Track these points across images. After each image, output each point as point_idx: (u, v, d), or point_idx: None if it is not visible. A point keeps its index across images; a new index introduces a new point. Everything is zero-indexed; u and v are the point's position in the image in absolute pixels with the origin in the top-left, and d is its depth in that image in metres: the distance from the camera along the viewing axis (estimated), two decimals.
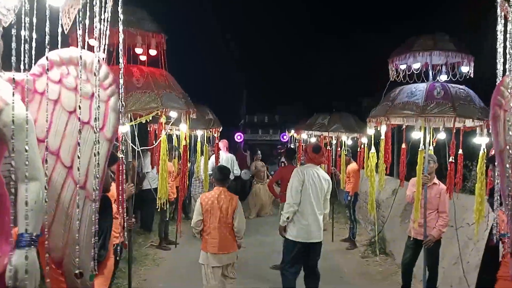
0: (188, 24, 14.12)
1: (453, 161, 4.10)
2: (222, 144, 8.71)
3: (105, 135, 1.69)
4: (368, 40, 11.48)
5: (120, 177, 3.77)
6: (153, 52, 4.23)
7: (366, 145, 7.84)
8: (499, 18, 2.05)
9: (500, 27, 2.03)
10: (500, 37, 2.04)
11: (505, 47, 2.00)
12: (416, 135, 4.38)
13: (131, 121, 4.09)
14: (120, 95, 1.74)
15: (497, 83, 2.04)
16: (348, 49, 12.49)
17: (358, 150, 8.03)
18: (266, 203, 10.83)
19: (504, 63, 2.08)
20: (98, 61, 1.67)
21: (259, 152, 11.61)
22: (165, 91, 4.02)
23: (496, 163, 1.93)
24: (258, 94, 21.36)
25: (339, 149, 8.90)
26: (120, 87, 1.71)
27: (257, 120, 18.65)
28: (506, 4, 2.02)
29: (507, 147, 1.77)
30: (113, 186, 3.79)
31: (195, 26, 14.60)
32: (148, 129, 5.51)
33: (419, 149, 4.16)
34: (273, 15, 16.99)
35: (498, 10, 2.07)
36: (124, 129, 4.23)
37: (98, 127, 1.65)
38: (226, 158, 8.79)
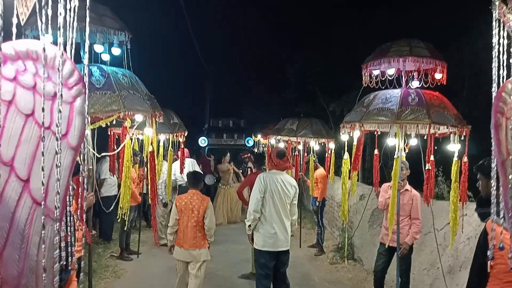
0: (151, 25, 13.68)
1: (430, 168, 4.06)
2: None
3: (70, 143, 1.44)
4: (340, 44, 11.52)
5: (80, 186, 3.48)
6: (116, 51, 3.94)
7: (333, 151, 7.83)
8: (494, 22, 1.96)
9: (495, 31, 1.93)
10: (495, 40, 1.95)
11: (499, 52, 1.91)
12: (390, 141, 4.33)
13: (91, 124, 3.77)
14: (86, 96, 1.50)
15: (494, 89, 1.94)
16: (317, 54, 12.45)
17: (326, 155, 8.00)
18: (233, 209, 10.59)
19: (499, 69, 1.99)
20: (62, 54, 1.42)
21: (228, 154, 11.29)
22: (128, 92, 3.73)
23: (492, 173, 1.82)
24: (223, 98, 21.14)
25: (306, 154, 8.84)
26: (85, 87, 1.46)
27: (221, 125, 18.34)
28: (504, 7, 1.93)
29: (510, 157, 1.66)
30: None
31: (158, 26, 14.15)
32: (109, 133, 5.18)
33: (394, 156, 4.10)
34: (242, 17, 16.79)
35: (496, 13, 1.97)
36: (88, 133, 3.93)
37: (60, 133, 1.40)
38: (188, 163, 8.44)
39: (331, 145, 7.83)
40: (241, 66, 18.29)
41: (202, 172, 8.36)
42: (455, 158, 4.13)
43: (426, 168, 4.09)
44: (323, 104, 12.13)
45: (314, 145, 8.12)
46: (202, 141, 17.18)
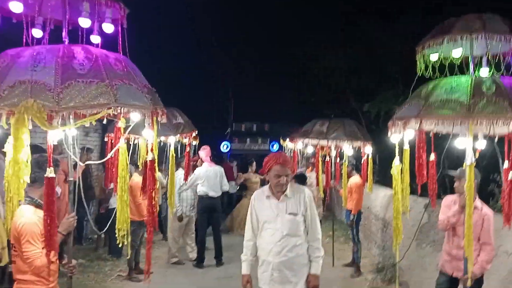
0: (172, 28, 13.00)
1: None
2: (204, 152, 7.45)
3: None
4: (368, 38, 10.51)
5: (48, 202, 2.66)
6: (108, 28, 3.12)
7: (370, 156, 6.83)
8: None
9: None
10: None
11: None
12: (459, 143, 3.34)
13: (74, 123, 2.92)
14: None
15: None
16: (343, 52, 11.44)
17: (362, 161, 7.00)
18: None
19: None
20: None
21: (254, 162, 10.46)
22: (122, 83, 2.87)
23: None
24: (246, 102, 20.29)
25: (338, 160, 7.85)
26: None
27: (245, 129, 17.46)
28: None
29: None
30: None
31: (179, 30, 13.50)
32: (105, 139, 4.36)
33: (468, 163, 3.11)
34: (263, 17, 15.94)
35: None
36: (71, 133, 3.11)
37: None
38: (214, 171, 7.29)
39: (368, 149, 6.83)
40: (265, 68, 17.42)
41: (223, 183, 7.47)
42: None
43: (509, 178, 3.08)
44: (354, 106, 11.08)
45: (348, 149, 7.11)
46: (225, 146, 16.37)
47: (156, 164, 3.33)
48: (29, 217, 2.71)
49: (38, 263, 2.62)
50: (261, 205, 3.45)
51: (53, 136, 2.74)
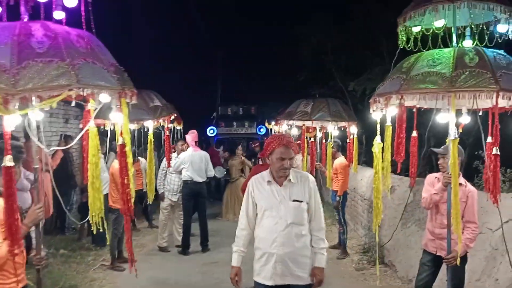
0: (154, 7, 12.61)
1: (498, 152, 2.96)
2: (190, 137, 7.29)
3: None
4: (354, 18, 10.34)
5: (8, 193, 2.51)
6: (70, 1, 2.89)
7: (356, 136, 6.73)
8: None
9: None
10: None
11: None
12: (442, 117, 3.23)
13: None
14: None
15: None
16: (331, 30, 11.24)
17: (347, 141, 6.90)
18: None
19: None
20: None
21: (239, 147, 10.37)
22: (84, 61, 2.65)
23: None
24: (232, 84, 20.01)
25: (324, 141, 7.74)
26: None
27: (231, 112, 17.20)
28: None
29: None
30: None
31: (162, 9, 13.12)
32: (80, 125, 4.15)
33: (451, 138, 3.00)
34: None
35: None
36: (36, 116, 2.90)
37: None
38: (198, 156, 7.13)
39: (353, 129, 6.72)
40: (250, 49, 17.15)
41: (208, 169, 7.39)
42: None
43: (493, 152, 2.98)
44: (340, 85, 10.95)
45: (332, 129, 7.00)
46: (211, 131, 16.16)
47: (128, 149, 3.16)
48: None
49: None
50: (261, 192, 3.10)
51: (10, 121, 2.55)
